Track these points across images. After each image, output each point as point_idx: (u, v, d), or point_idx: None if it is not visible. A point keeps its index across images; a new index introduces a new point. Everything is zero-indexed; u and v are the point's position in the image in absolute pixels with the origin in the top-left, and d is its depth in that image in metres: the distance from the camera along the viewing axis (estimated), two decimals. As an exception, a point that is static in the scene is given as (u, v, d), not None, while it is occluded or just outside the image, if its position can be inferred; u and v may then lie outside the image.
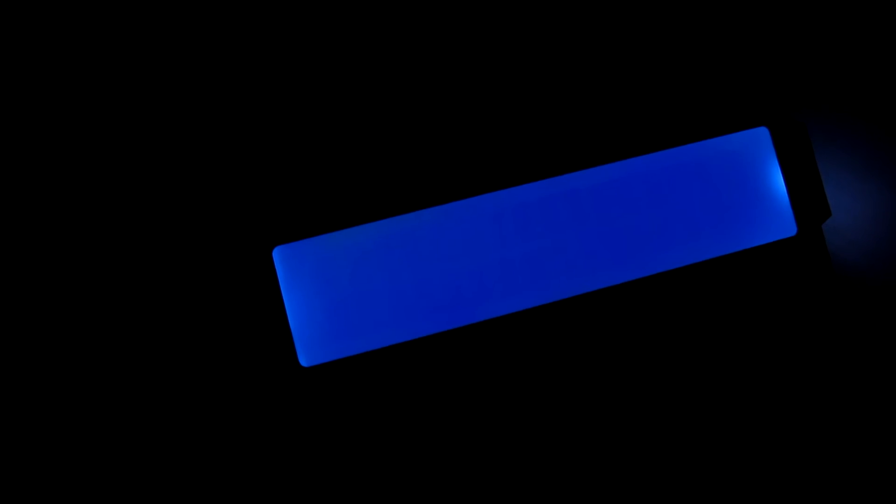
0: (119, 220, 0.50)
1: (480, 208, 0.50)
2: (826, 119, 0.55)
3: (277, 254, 0.49)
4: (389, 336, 0.49)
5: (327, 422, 0.50)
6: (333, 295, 0.49)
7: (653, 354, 0.52)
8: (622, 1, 0.54)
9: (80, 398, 0.49)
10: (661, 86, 0.53)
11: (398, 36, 0.53)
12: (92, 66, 0.51)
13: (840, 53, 0.56)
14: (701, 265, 0.51)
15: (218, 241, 0.50)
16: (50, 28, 0.52)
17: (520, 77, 0.53)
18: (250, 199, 0.51)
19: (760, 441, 0.52)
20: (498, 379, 0.51)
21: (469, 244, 0.50)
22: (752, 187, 0.52)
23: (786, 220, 0.52)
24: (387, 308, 0.49)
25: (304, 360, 0.49)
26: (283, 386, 0.49)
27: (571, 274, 0.50)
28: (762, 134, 0.52)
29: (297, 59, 0.52)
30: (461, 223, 0.50)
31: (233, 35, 0.52)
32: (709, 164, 0.51)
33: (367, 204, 0.50)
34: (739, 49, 0.54)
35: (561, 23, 0.54)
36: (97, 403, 0.49)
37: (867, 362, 0.53)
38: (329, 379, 0.49)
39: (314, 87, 0.52)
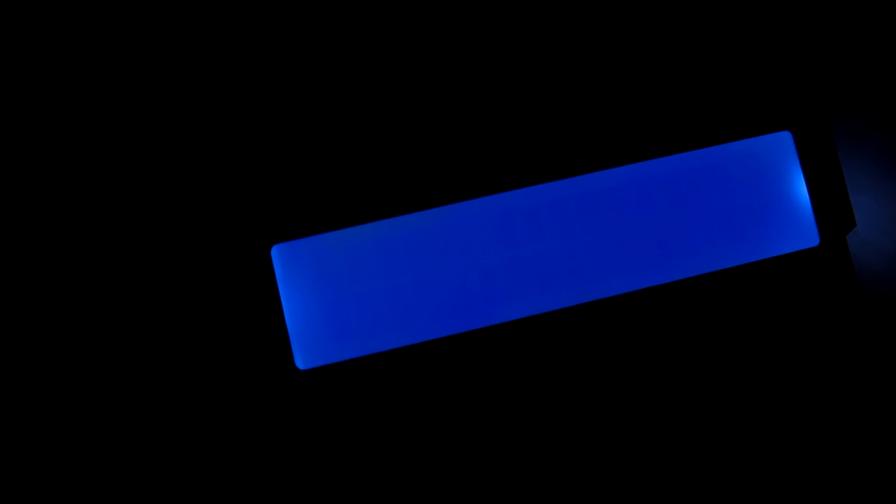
0: (116, 218, 0.49)
1: (488, 210, 0.49)
2: (852, 123, 0.53)
3: (276, 252, 0.48)
4: (389, 340, 0.48)
5: (323, 428, 0.49)
6: (333, 296, 0.48)
7: (666, 366, 0.50)
8: (643, 1, 0.52)
9: (74, 396, 0.48)
10: (681, 87, 0.52)
11: (403, 33, 0.52)
12: (92, 66, 0.51)
13: (867, 56, 0.54)
14: (717, 274, 0.49)
15: (215, 239, 0.49)
16: (50, 28, 0.51)
17: (535, 75, 0.52)
18: (249, 195, 0.50)
19: (781, 455, 0.50)
20: (501, 388, 0.49)
21: (475, 247, 0.48)
22: (773, 194, 0.50)
23: (808, 230, 0.50)
24: (387, 311, 0.48)
25: (300, 363, 0.47)
26: (279, 389, 0.48)
27: (582, 280, 0.49)
28: (785, 138, 0.50)
29: (297, 55, 0.51)
30: (467, 225, 0.48)
31: (232, 34, 0.51)
32: (728, 168, 0.50)
33: (370, 202, 0.49)
34: (762, 50, 0.53)
35: (579, 23, 0.52)
36: (91, 403, 0.48)
37: (890, 377, 0.51)
38: (326, 383, 0.48)
39: (315, 84, 0.51)
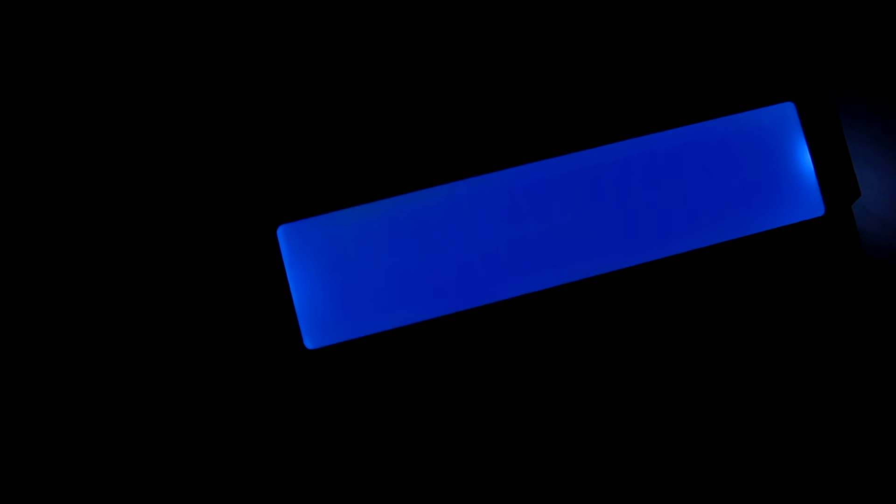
0: (123, 202, 0.49)
1: (494, 186, 0.49)
2: (855, 94, 0.53)
3: (282, 232, 0.48)
4: (397, 318, 0.48)
5: (332, 406, 0.49)
6: (339, 275, 0.48)
7: (672, 338, 0.50)
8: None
9: (82, 381, 0.48)
10: (684, 59, 0.52)
11: (403, 16, 0.52)
12: (94, 55, 0.51)
13: (871, 26, 0.54)
14: (724, 245, 0.49)
15: (220, 219, 0.49)
16: (50, 26, 0.51)
17: (538, 51, 0.52)
18: (254, 176, 0.49)
19: (785, 426, 0.50)
20: (509, 364, 0.49)
21: (481, 223, 0.48)
22: (777, 165, 0.50)
23: (813, 200, 0.50)
24: (394, 289, 0.48)
25: (309, 343, 0.47)
26: (288, 369, 0.48)
27: (588, 254, 0.48)
28: (788, 109, 0.50)
29: (300, 37, 0.51)
30: (473, 201, 0.48)
31: (234, 17, 0.51)
32: (732, 140, 0.49)
33: (376, 181, 0.48)
34: (766, 21, 0.52)
35: (578, -6, 0.52)
36: (101, 387, 0.48)
37: (894, 345, 0.51)
38: (335, 362, 0.48)
39: (319, 65, 0.51)
